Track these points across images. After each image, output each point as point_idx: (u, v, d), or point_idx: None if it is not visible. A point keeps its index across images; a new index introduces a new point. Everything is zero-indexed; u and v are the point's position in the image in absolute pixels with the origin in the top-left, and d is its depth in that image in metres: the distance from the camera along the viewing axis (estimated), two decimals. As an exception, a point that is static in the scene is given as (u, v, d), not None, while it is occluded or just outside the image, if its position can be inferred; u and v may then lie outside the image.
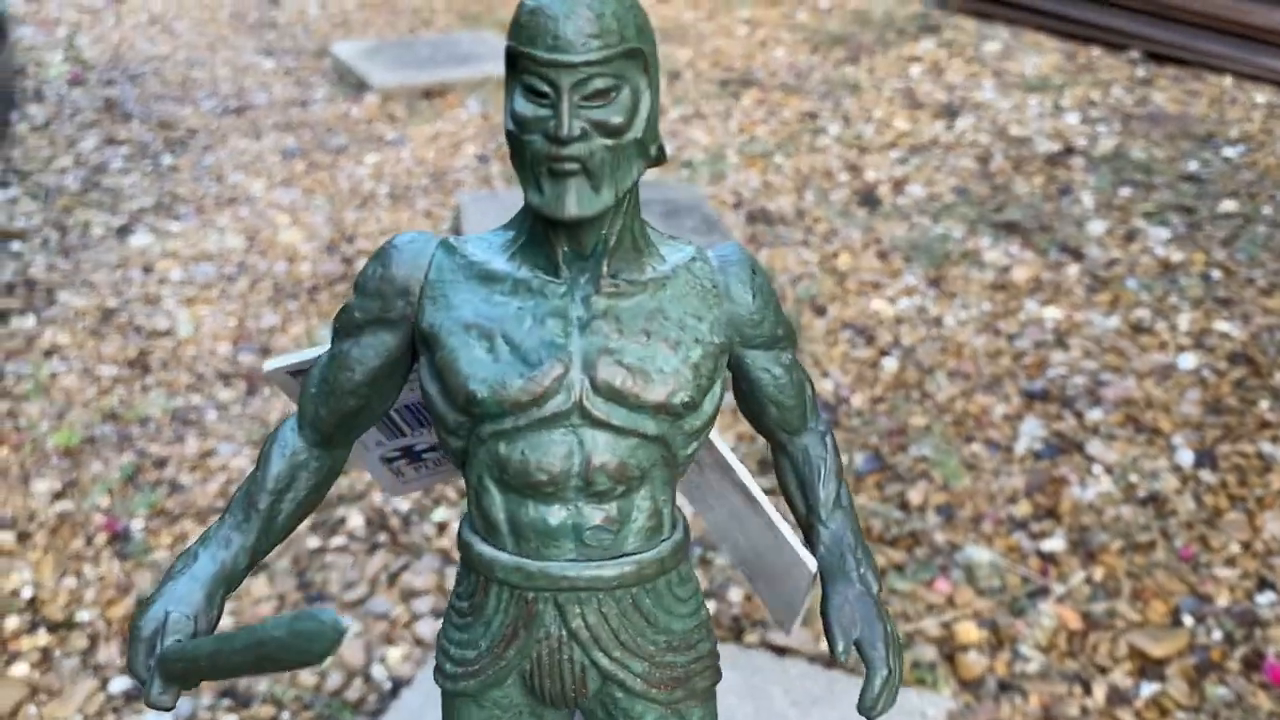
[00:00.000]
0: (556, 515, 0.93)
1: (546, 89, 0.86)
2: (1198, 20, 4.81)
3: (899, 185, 3.93)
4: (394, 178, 4.17)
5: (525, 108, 0.87)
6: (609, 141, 0.87)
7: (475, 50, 5.34)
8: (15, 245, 3.73)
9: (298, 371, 1.10)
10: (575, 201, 0.87)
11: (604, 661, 0.96)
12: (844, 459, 2.58)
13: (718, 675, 1.04)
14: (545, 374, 0.89)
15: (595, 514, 0.93)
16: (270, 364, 1.07)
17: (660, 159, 0.95)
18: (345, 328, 0.97)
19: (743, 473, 1.12)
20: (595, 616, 0.95)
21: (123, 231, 3.82)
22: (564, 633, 0.95)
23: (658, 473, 0.95)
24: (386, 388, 0.99)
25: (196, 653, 0.88)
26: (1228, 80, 4.63)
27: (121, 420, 2.82)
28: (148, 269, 3.56)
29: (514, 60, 0.87)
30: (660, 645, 0.98)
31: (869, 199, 3.85)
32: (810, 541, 1.05)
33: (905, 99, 4.67)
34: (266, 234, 3.77)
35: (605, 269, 0.91)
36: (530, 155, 0.87)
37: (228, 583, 0.97)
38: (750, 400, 1.02)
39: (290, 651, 0.79)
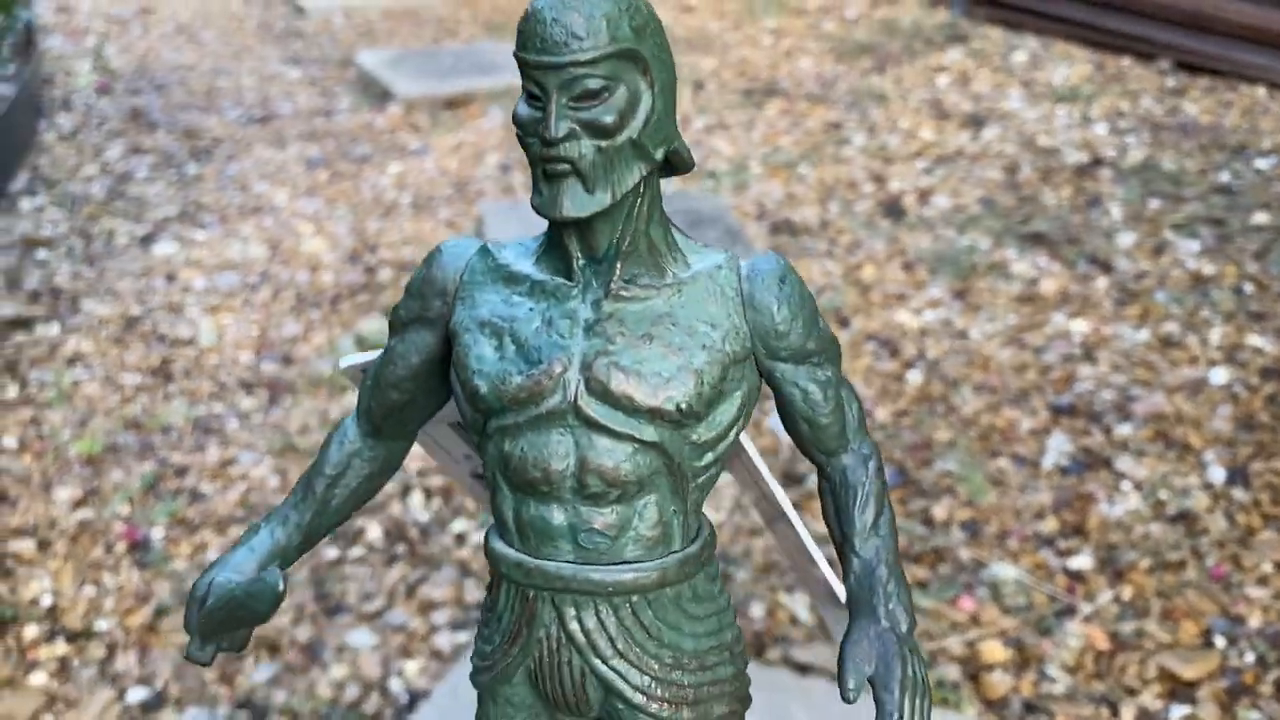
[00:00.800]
0: (556, 515, 0.93)
1: (539, 91, 0.87)
2: (1231, 30, 4.75)
3: (924, 196, 3.90)
4: (417, 187, 4.17)
5: (524, 110, 0.89)
6: (601, 142, 0.87)
7: (498, 60, 5.35)
8: (41, 253, 3.75)
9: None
10: (569, 202, 0.88)
11: (601, 668, 0.95)
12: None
13: (739, 704, 1.00)
14: (543, 371, 0.91)
15: (594, 517, 0.93)
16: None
17: (679, 165, 0.94)
18: (393, 326, 1.02)
19: (780, 495, 1.09)
20: (592, 621, 0.94)
21: (147, 240, 3.84)
22: (562, 634, 0.95)
23: (662, 482, 0.93)
24: (429, 384, 1.02)
25: (203, 610, 1.01)
26: (1261, 90, 4.57)
27: (143, 428, 2.82)
28: (171, 277, 3.58)
29: (519, 67, 0.90)
30: (666, 662, 0.95)
31: (894, 210, 3.82)
32: (844, 570, 1.00)
33: (931, 109, 4.64)
34: (289, 243, 3.77)
35: (617, 273, 0.92)
36: (530, 157, 0.90)
37: (282, 556, 1.03)
38: (785, 416, 1.00)
39: (246, 607, 1.00)
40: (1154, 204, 3.71)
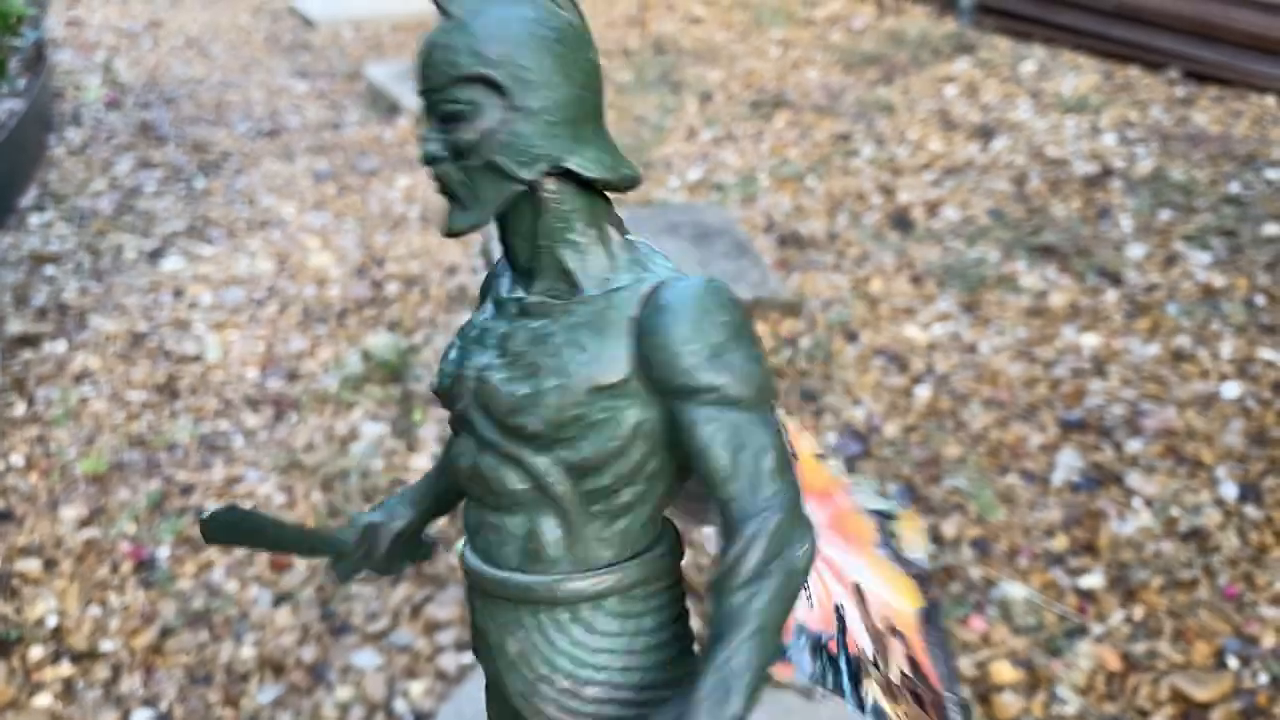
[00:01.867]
0: (471, 512, 1.00)
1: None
2: (1239, 39, 4.73)
3: (933, 208, 3.88)
4: (425, 201, 4.17)
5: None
6: (462, 163, 0.92)
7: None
8: (49, 269, 3.75)
9: None
10: (449, 221, 0.95)
11: (503, 671, 0.98)
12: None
13: None
14: (450, 378, 0.98)
15: (485, 517, 0.98)
16: None
17: (602, 184, 0.93)
18: None
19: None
20: (490, 620, 0.99)
21: (154, 255, 3.84)
22: (484, 626, 1.01)
23: (531, 498, 0.94)
24: None
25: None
26: (1270, 100, 4.54)
27: (149, 446, 2.82)
28: (178, 293, 3.58)
29: None
30: (540, 673, 0.96)
31: (902, 222, 3.80)
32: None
33: (940, 120, 4.62)
34: (297, 257, 3.77)
35: (533, 290, 0.96)
36: None
37: (420, 514, 1.15)
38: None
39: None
40: (1164, 215, 3.69)
